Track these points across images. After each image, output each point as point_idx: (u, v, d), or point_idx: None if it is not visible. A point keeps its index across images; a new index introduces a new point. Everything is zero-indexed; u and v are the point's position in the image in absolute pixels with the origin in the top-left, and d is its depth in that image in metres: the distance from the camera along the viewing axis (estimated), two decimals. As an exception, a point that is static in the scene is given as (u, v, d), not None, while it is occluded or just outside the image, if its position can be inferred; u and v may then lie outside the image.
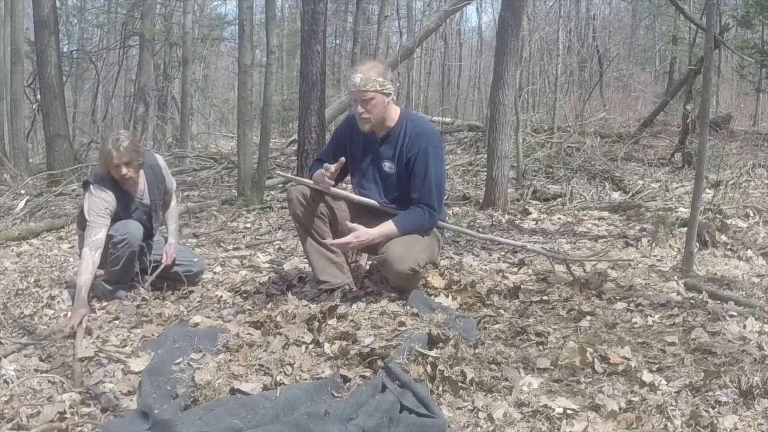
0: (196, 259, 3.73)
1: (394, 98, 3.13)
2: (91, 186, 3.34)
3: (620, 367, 2.34)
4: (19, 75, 11.87)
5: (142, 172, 3.48)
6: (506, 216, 5.56)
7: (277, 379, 2.22)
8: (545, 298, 3.13)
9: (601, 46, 17.50)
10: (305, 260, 4.12)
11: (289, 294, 3.26)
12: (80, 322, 2.84)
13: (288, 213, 3.46)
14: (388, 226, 3.03)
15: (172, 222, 3.73)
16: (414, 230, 3.05)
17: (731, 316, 2.86)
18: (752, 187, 6.60)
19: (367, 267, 3.58)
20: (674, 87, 12.15)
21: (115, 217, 3.36)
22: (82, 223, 3.50)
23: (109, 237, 3.30)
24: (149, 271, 3.51)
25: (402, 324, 2.56)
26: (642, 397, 2.15)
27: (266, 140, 6.88)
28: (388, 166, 3.12)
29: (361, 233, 2.98)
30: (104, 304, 3.38)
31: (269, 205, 6.39)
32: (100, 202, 3.29)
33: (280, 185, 7.53)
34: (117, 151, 3.24)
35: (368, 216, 3.16)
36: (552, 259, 3.53)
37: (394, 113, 3.12)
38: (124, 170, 3.28)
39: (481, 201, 6.13)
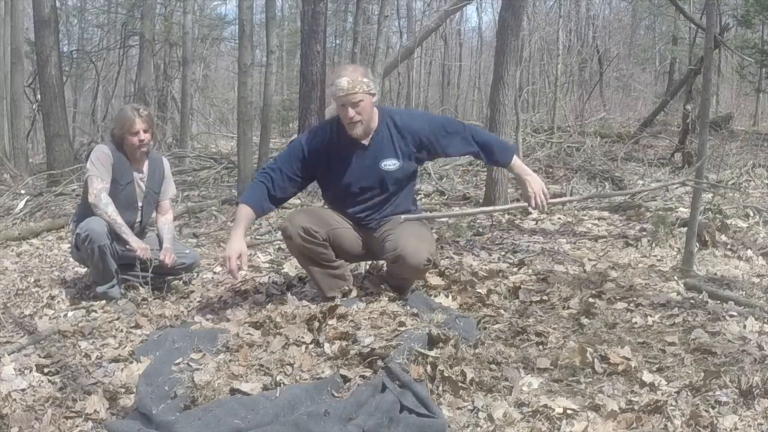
0: (188, 251, 3.72)
1: (378, 98, 3.08)
2: (98, 145, 3.59)
3: (620, 367, 2.34)
4: (19, 75, 11.88)
5: (147, 160, 3.58)
6: (506, 216, 5.55)
7: (277, 379, 2.22)
8: (545, 298, 3.13)
9: (601, 46, 17.48)
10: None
11: (289, 294, 3.26)
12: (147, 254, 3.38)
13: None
14: (520, 163, 3.16)
15: (168, 232, 3.67)
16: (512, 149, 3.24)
17: (731, 316, 2.86)
18: (752, 187, 6.59)
19: (367, 267, 3.58)
20: (674, 87, 12.14)
21: (112, 181, 3.44)
22: (81, 215, 3.50)
23: (77, 236, 3.37)
24: (139, 266, 3.50)
25: (402, 324, 2.56)
26: (642, 397, 2.15)
27: (266, 140, 6.89)
28: (390, 163, 3.06)
29: (538, 187, 3.05)
30: (103, 303, 3.37)
31: (269, 205, 6.38)
32: (104, 156, 3.45)
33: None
34: (139, 116, 3.42)
35: (367, 230, 3.15)
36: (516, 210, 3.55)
37: (375, 114, 3.08)
38: (143, 135, 3.44)
39: (481, 201, 6.12)
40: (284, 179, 3.05)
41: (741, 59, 12.59)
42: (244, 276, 3.11)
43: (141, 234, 3.64)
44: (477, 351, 2.45)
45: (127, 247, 3.40)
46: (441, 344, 2.40)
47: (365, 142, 3.06)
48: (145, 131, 3.45)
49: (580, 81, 16.58)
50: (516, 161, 3.14)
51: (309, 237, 2.98)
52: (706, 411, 2.04)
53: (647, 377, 2.26)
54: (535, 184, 3.06)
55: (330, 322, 2.61)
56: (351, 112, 2.93)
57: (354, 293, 3.06)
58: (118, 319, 3.15)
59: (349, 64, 3.20)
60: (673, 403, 2.10)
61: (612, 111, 13.15)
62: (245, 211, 3.02)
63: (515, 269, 3.73)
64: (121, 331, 2.98)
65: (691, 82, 8.78)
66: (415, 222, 3.10)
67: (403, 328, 2.50)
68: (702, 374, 2.25)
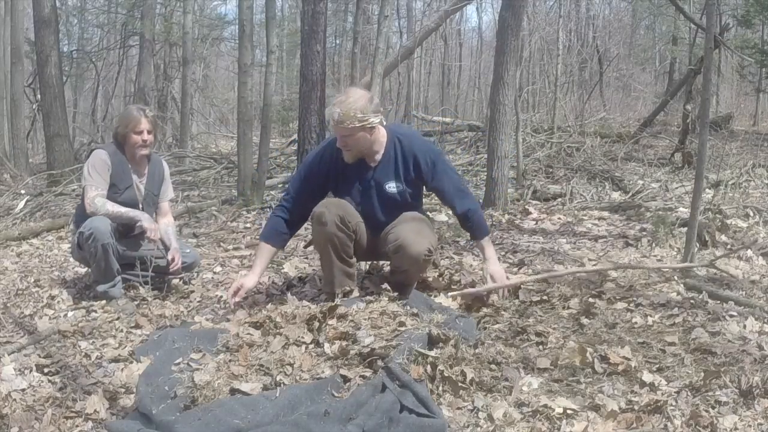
0: (188, 251, 3.74)
1: (382, 123, 3.06)
2: (95, 150, 3.55)
3: (620, 367, 2.34)
4: (19, 75, 11.89)
5: (147, 164, 3.59)
6: (506, 216, 5.56)
7: (277, 379, 2.22)
8: (545, 298, 3.13)
9: (601, 46, 17.47)
10: (305, 260, 4.13)
11: (289, 294, 3.26)
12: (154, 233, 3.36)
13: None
14: (490, 248, 3.20)
15: (172, 234, 3.67)
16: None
17: (731, 316, 2.86)
18: (752, 187, 6.59)
19: (367, 267, 3.58)
20: (674, 87, 12.14)
21: (111, 185, 3.44)
22: (80, 216, 3.50)
23: (80, 234, 3.36)
24: (139, 266, 3.50)
25: (402, 324, 2.56)
26: (642, 397, 2.15)
27: (266, 140, 6.88)
28: (394, 186, 3.11)
29: (499, 276, 3.11)
30: (103, 303, 3.37)
31: (269, 205, 6.38)
32: (101, 163, 3.43)
33: (280, 185, 7.53)
34: (145, 116, 3.46)
35: (376, 229, 3.16)
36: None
37: (382, 137, 3.09)
38: (146, 136, 3.46)
39: (481, 201, 6.12)
40: (298, 204, 3.16)
41: (741, 59, 12.60)
42: (237, 306, 3.13)
43: (142, 235, 3.64)
44: (477, 351, 2.45)
45: (139, 225, 3.42)
46: (441, 344, 2.40)
47: (372, 163, 3.11)
48: (149, 132, 3.48)
49: (580, 81, 16.56)
50: (486, 241, 3.20)
51: (343, 226, 3.02)
52: (706, 411, 2.04)
53: (647, 377, 2.26)
54: (497, 274, 3.13)
55: (330, 322, 2.61)
56: (339, 141, 3.01)
57: (355, 293, 3.06)
58: (118, 319, 3.14)
59: (354, 90, 3.14)
60: (673, 403, 2.10)
61: (612, 111, 13.16)
62: (263, 249, 3.16)
63: (515, 269, 3.73)
64: (121, 331, 2.98)
65: (691, 82, 8.78)
66: (417, 218, 3.12)
67: (403, 328, 2.50)
68: (702, 374, 2.25)
